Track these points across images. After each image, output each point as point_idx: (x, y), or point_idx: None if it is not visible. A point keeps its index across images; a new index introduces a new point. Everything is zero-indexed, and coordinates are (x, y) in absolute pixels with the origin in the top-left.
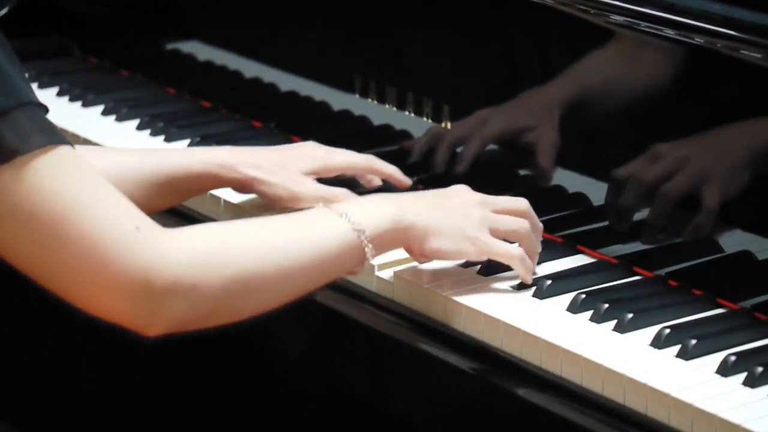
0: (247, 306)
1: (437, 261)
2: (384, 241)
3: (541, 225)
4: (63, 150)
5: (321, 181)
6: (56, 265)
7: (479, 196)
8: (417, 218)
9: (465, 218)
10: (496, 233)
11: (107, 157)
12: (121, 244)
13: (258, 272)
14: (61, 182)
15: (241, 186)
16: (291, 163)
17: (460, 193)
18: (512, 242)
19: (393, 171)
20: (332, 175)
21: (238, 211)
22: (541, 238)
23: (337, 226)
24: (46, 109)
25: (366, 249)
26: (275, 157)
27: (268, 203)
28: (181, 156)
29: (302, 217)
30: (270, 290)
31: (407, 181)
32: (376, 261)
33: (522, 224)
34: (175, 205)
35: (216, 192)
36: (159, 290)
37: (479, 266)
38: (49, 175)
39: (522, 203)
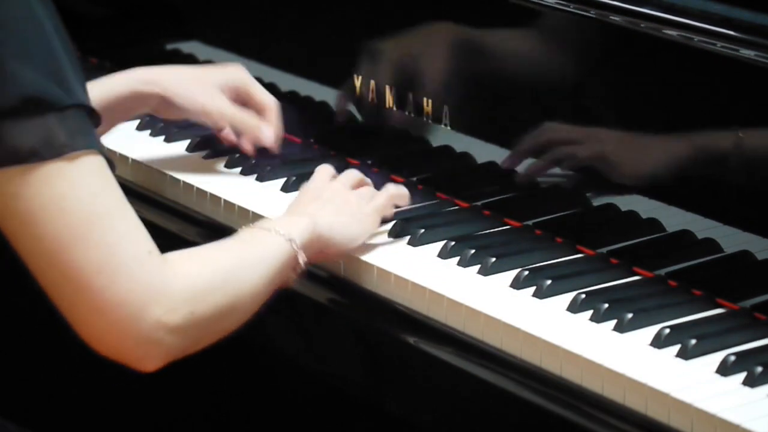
0: (227, 328)
1: (434, 260)
2: (308, 249)
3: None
4: (102, 159)
5: None
6: (69, 270)
7: (341, 180)
8: (324, 225)
9: (349, 203)
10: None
11: None
12: (135, 264)
13: (238, 296)
14: (99, 188)
15: (161, 102)
16: (207, 77)
17: (325, 187)
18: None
19: (271, 143)
20: (239, 90)
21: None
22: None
23: (276, 240)
24: (98, 117)
25: (298, 256)
26: (193, 71)
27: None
28: (104, 81)
29: (245, 238)
30: (244, 308)
31: (273, 133)
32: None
33: (384, 198)
34: (107, 130)
35: (215, 192)
36: (163, 319)
37: (479, 266)
38: (90, 177)
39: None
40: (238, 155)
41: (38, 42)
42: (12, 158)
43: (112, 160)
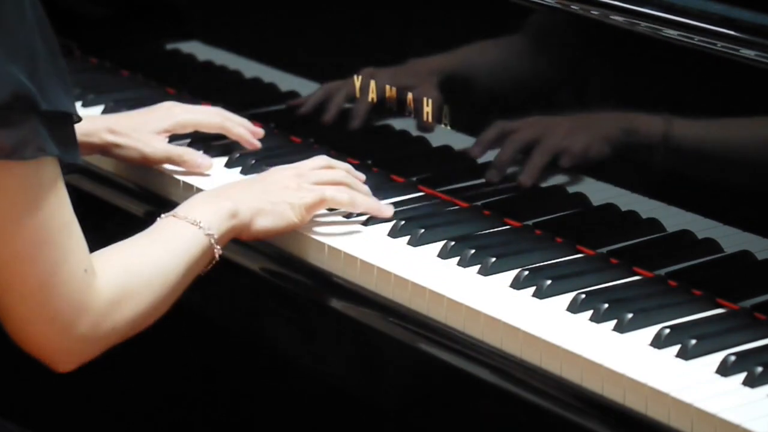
0: (143, 326)
1: (434, 260)
2: (225, 238)
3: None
4: (59, 170)
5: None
6: (13, 281)
7: (294, 169)
8: (247, 209)
9: (282, 191)
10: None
11: None
12: (73, 283)
13: (157, 299)
14: (59, 201)
15: (102, 151)
16: (145, 125)
17: (277, 171)
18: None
19: (243, 133)
20: (186, 131)
21: None
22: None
23: (195, 236)
24: (78, 119)
25: (215, 250)
26: (131, 120)
27: None
28: None
29: (169, 234)
30: (161, 308)
31: (256, 144)
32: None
33: (336, 172)
34: None
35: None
36: (85, 332)
37: (479, 266)
38: (54, 190)
39: (324, 159)
40: (238, 155)
41: (25, 44)
42: None
43: (82, 165)
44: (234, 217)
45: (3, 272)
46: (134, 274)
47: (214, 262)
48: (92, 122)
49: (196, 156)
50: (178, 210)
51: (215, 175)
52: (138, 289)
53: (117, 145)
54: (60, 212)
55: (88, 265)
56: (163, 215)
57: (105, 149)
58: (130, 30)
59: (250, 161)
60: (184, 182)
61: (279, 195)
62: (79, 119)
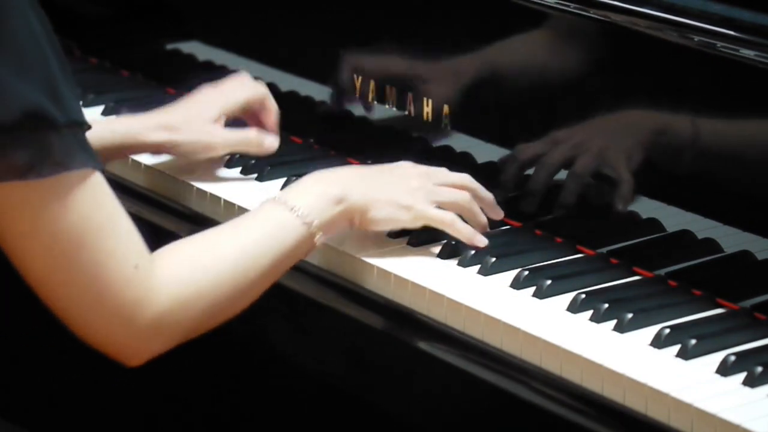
0: (223, 318)
1: (434, 260)
2: (331, 225)
3: (489, 195)
4: (98, 176)
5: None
6: (62, 286)
7: (423, 169)
8: (359, 197)
9: (402, 189)
10: (437, 205)
11: None
12: (121, 281)
13: (232, 292)
14: (91, 207)
15: (154, 150)
16: (198, 116)
17: (403, 167)
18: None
19: (274, 113)
20: (238, 113)
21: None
22: (493, 208)
23: (290, 223)
24: (89, 127)
25: (315, 238)
26: (180, 114)
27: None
28: (103, 128)
29: (258, 221)
30: (242, 300)
31: (275, 141)
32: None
33: (462, 195)
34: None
35: (215, 192)
36: (146, 328)
37: (479, 266)
38: (83, 198)
39: (465, 178)
40: (237, 155)
41: (35, 57)
42: (11, 173)
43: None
44: (340, 203)
45: (49, 282)
46: (203, 270)
47: (314, 248)
48: (135, 121)
49: (262, 136)
50: (283, 192)
51: (214, 175)
52: (207, 285)
53: (173, 143)
54: (95, 215)
55: (140, 260)
56: (269, 198)
57: (159, 148)
58: (130, 30)
59: (250, 160)
60: (183, 181)
61: (399, 191)
62: (89, 127)
